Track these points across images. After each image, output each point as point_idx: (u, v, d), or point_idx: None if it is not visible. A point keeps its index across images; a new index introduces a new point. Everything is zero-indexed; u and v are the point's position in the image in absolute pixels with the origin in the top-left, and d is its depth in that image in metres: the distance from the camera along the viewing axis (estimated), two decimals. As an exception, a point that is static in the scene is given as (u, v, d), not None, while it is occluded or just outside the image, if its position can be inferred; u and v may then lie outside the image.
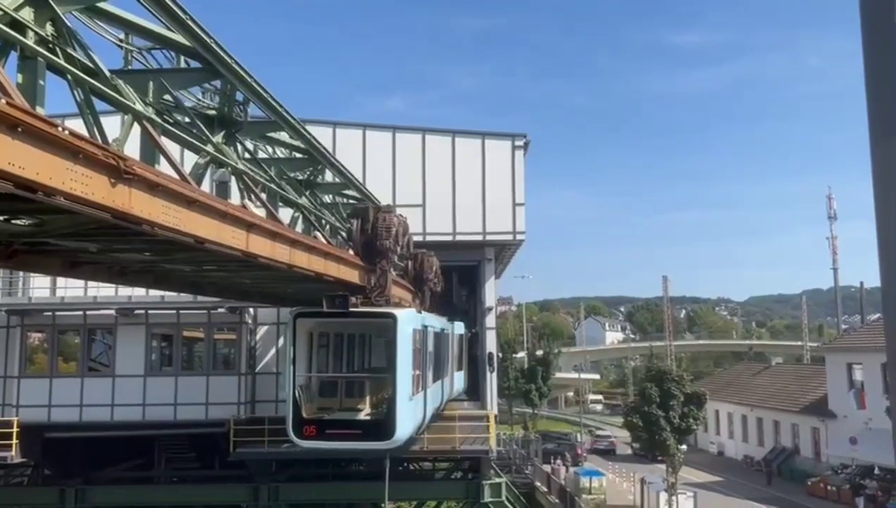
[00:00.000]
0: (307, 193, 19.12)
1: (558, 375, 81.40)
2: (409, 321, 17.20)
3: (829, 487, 41.35)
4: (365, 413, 17.02)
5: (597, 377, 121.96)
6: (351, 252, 18.26)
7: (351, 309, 15.93)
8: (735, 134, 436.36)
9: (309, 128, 17.23)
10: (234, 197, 12.93)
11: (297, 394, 16.12)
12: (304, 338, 16.79)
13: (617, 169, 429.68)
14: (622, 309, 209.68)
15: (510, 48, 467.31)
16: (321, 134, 21.91)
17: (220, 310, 27.53)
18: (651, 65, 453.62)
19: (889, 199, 3.11)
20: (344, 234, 20.33)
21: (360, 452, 19.94)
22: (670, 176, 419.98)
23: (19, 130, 5.62)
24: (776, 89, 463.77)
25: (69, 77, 8.53)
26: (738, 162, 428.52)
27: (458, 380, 28.40)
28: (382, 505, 29.49)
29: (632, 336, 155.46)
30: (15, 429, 25.90)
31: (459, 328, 28.25)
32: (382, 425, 16.24)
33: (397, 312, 16.79)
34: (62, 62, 8.28)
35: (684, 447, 38.61)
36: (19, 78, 7.87)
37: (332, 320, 17.18)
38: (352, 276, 16.68)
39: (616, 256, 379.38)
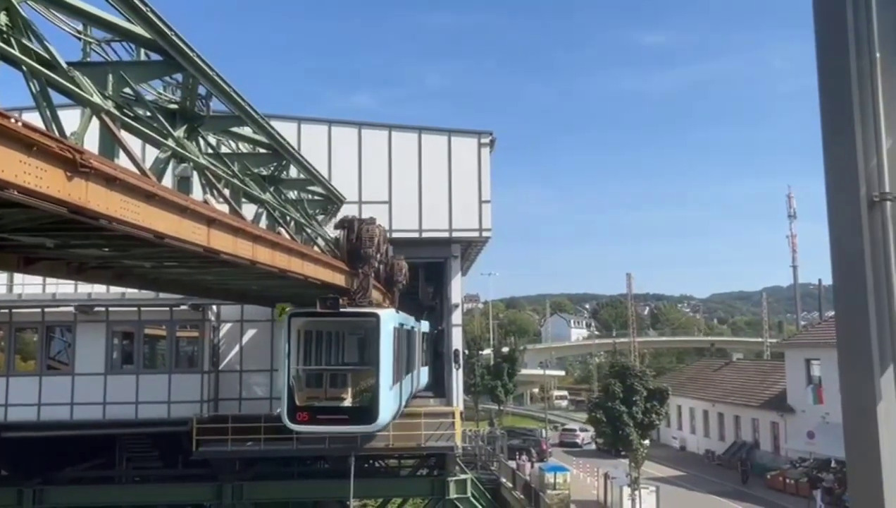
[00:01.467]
0: (271, 188, 18.95)
1: (524, 371, 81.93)
2: (390, 319, 19.09)
3: (787, 480, 42.16)
4: (349, 401, 18.99)
5: (562, 373, 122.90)
6: (316, 249, 18.52)
7: (340, 309, 17.89)
8: (699, 133, 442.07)
9: (273, 123, 17.11)
10: (197, 193, 12.76)
11: (290, 384, 18.11)
12: (295, 335, 18.47)
13: (584, 167, 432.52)
14: (587, 306, 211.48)
15: (480, 46, 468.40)
16: (286, 130, 21.73)
17: (183, 307, 27.19)
18: (619, 64, 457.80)
19: (840, 196, 3.17)
20: (309, 231, 20.50)
21: (347, 434, 22.29)
22: (637, 174, 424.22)
23: (-30, 121, 5.48)
24: (740, 90, 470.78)
25: (24, 68, 8.34)
26: (702, 161, 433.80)
27: (424, 375, 29.27)
28: (348, 503, 29.44)
29: (596, 333, 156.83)
30: (-30, 429, 25.33)
31: (425, 326, 29.45)
32: (367, 410, 18.41)
33: (380, 312, 18.90)
34: (17, 53, 8.09)
35: (647, 442, 39.08)
36: (-29, 69, 7.68)
37: (321, 319, 19.15)
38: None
39: (582, 253, 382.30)
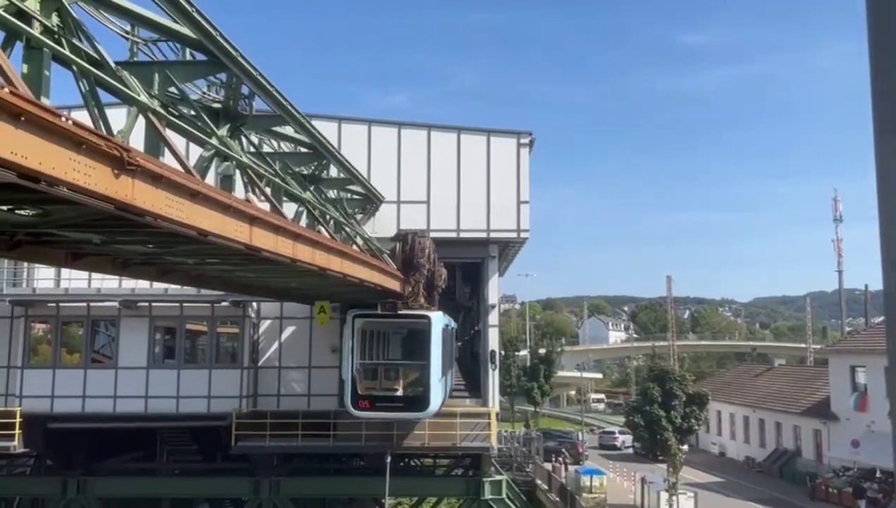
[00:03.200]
0: (311, 187, 19.16)
1: (560, 373, 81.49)
2: (439, 320, 22.01)
3: (830, 489, 41.25)
4: (400, 392, 21.81)
5: (599, 376, 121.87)
6: (355, 248, 18.70)
7: (398, 311, 20.91)
8: (742, 134, 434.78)
9: (314, 123, 17.27)
10: (239, 191, 12.93)
11: (353, 376, 21.08)
12: (357, 334, 21.35)
13: (624, 167, 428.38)
14: (626, 309, 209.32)
15: (516, 45, 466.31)
16: (327, 129, 21.90)
17: (224, 304, 27.54)
18: (659, 64, 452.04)
19: (892, 199, 3.08)
20: (348, 230, 20.75)
21: (402, 419, 24.39)
22: (678, 176, 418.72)
23: (22, 119, 5.62)
24: (783, 90, 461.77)
25: (74, 68, 8.54)
26: (746, 163, 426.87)
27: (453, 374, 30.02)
28: (383, 501, 29.58)
29: (635, 336, 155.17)
30: (18, 419, 25.98)
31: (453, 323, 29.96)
32: (420, 399, 21.56)
33: (431, 314, 21.84)
34: (67, 53, 8.29)
35: (685, 447, 38.61)
36: (24, 68, 7.88)
37: (379, 319, 21.81)
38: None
39: (621, 255, 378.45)
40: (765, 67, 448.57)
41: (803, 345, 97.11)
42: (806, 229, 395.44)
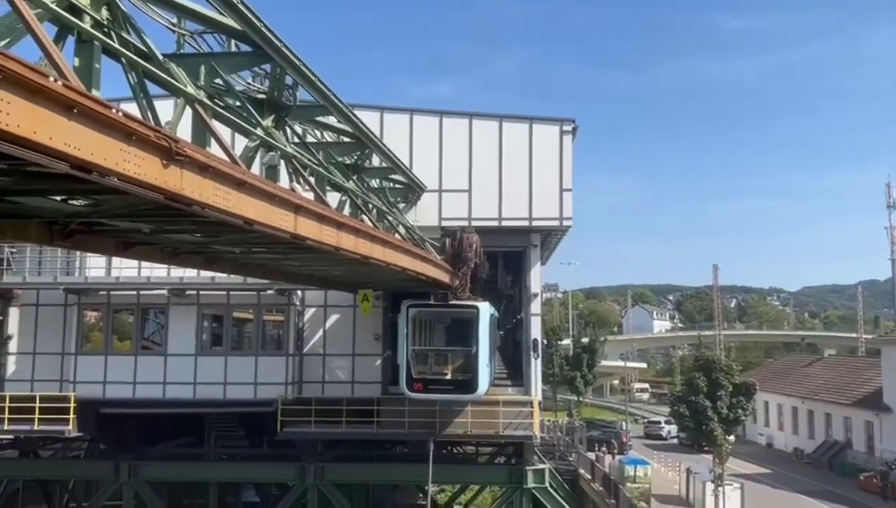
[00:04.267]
0: (354, 177, 19.25)
1: (604, 363, 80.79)
2: (486, 310, 23.71)
3: (881, 482, 40.27)
4: (449, 376, 23.55)
5: (643, 365, 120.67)
6: (397, 236, 18.81)
7: (449, 302, 22.78)
8: (791, 121, 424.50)
9: (357, 113, 17.33)
10: (283, 180, 13.06)
11: (408, 361, 23.08)
12: (411, 322, 23.23)
13: (669, 155, 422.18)
14: (671, 298, 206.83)
15: (557, 32, 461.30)
16: (369, 119, 21.97)
17: (269, 292, 27.93)
18: (702, 51, 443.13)
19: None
20: (390, 219, 20.86)
21: (452, 401, 25.62)
22: (724, 164, 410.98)
23: (75, 111, 5.75)
24: (833, 75, 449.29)
25: (123, 60, 8.69)
26: (795, 150, 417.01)
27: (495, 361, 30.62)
28: (426, 487, 29.77)
29: (680, 325, 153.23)
30: (72, 404, 26.75)
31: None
32: (469, 382, 23.25)
33: (479, 304, 23.60)
34: (117, 46, 8.43)
35: (732, 437, 37.96)
36: (76, 61, 8.04)
37: (431, 309, 23.74)
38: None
39: (666, 244, 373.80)
40: (812, 52, 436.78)
41: (854, 335, 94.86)
42: (857, 217, 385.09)
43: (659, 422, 66.52)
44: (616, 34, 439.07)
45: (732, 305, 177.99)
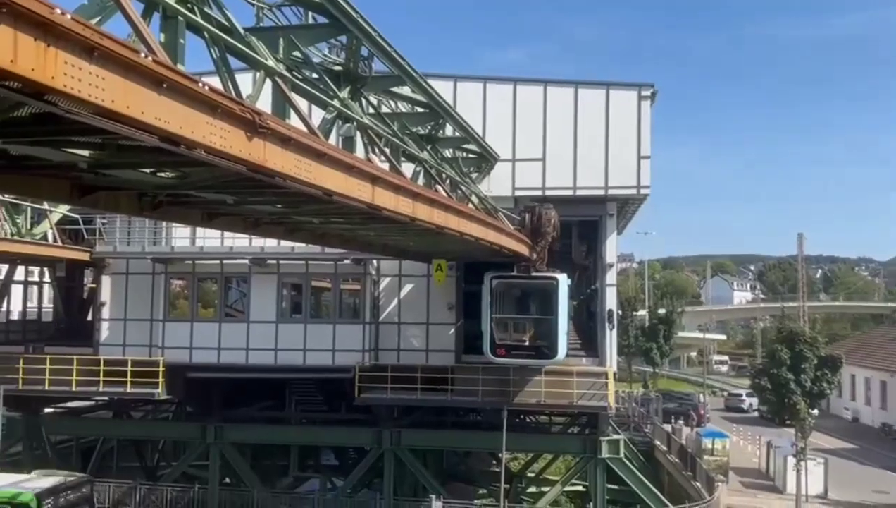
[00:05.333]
0: (428, 147, 19.32)
1: (681, 334, 79.44)
2: (564, 281, 24.94)
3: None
4: (528, 342, 24.99)
5: (723, 337, 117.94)
6: (470, 206, 18.81)
7: (532, 273, 23.95)
8: (879, 81, 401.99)
9: (431, 82, 17.35)
10: (359, 151, 13.22)
11: (491, 328, 24.30)
12: (494, 292, 24.44)
13: (753, 121, 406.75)
14: (752, 268, 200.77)
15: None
16: (443, 88, 21.93)
17: (346, 262, 28.41)
18: (793, 10, 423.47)
19: None
20: (463, 189, 20.87)
21: (534, 365, 26.38)
22: (810, 128, 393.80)
23: (164, 86, 5.96)
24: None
25: (206, 35, 8.93)
26: (883, 112, 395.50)
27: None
28: (500, 455, 30.03)
29: (762, 296, 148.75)
30: (161, 368, 27.97)
31: None
32: (549, 348, 24.69)
33: (558, 275, 24.76)
34: (200, 20, 8.67)
35: (815, 411, 36.88)
36: (162, 37, 8.30)
37: (513, 281, 24.69)
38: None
39: (748, 212, 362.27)
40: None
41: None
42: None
43: (740, 394, 65.40)
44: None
45: (818, 275, 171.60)
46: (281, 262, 29.00)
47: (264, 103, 10.26)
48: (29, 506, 20.22)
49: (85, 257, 29.76)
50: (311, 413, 32.20)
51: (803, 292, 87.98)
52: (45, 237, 29.97)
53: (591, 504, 29.27)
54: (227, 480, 31.47)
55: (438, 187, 17.83)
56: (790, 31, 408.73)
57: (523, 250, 23.14)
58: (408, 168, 17.18)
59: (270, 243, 27.47)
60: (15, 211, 28.75)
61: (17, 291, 34.43)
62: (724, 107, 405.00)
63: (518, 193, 29.32)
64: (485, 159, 27.17)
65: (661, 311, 68.64)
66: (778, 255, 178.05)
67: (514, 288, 25.87)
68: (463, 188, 21.13)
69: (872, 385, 55.30)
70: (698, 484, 30.77)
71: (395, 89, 17.36)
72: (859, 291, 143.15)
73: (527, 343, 25.07)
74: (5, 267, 32.35)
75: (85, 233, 30.49)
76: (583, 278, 36.81)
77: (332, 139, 12.27)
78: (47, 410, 31.79)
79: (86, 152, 7.79)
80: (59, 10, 4.68)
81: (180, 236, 30.06)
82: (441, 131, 21.28)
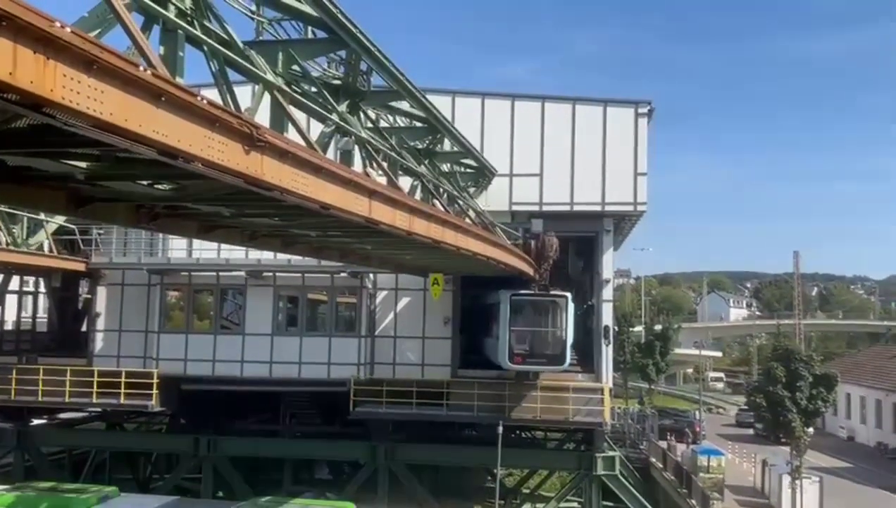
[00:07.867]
0: (426, 161, 19.37)
1: (677, 350, 79.25)
2: (570, 299, 27.13)
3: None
4: (545, 351, 27.09)
5: (718, 354, 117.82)
6: (467, 221, 18.81)
7: (547, 292, 26.53)
8: (877, 99, 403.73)
9: (429, 97, 17.41)
10: (357, 165, 13.24)
11: (509, 339, 26.22)
12: (510, 307, 26.43)
13: (750, 137, 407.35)
14: (748, 285, 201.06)
15: (635, 9, 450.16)
16: (441, 103, 22.00)
17: (343, 275, 28.39)
18: (788, 26, 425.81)
19: None
20: (461, 203, 20.88)
21: (545, 371, 28.06)
22: (807, 144, 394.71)
23: (162, 99, 5.96)
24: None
25: (205, 48, 8.96)
26: (880, 130, 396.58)
27: None
28: (495, 471, 29.89)
29: (758, 313, 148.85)
30: (155, 380, 27.86)
31: None
32: (558, 356, 26.68)
33: (566, 294, 27.09)
34: (199, 34, 8.70)
35: (811, 430, 36.78)
36: (161, 50, 8.33)
37: (526, 298, 26.83)
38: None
39: (744, 229, 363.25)
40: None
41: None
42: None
43: (748, 409, 65.31)
44: (699, 10, 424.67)
45: (814, 293, 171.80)
46: (277, 274, 28.98)
47: (263, 116, 10.28)
48: None
49: (81, 267, 29.70)
50: (305, 427, 32.06)
51: (799, 310, 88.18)
52: (41, 247, 29.87)
53: (586, 520, 29.12)
54: (220, 493, 31.25)
55: (436, 202, 17.86)
56: (789, 46, 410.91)
57: (527, 269, 24.46)
58: (405, 182, 17.22)
59: (267, 256, 27.45)
60: (11, 221, 28.69)
61: (11, 301, 34.31)
62: (719, 121, 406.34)
63: (515, 207, 29.39)
64: (482, 174, 27.24)
65: (658, 327, 68.48)
66: (774, 272, 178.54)
67: (528, 304, 27.71)
68: (460, 203, 21.17)
69: (868, 404, 55.23)
70: (694, 502, 30.64)
71: (393, 104, 17.42)
72: (855, 309, 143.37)
73: (541, 352, 27.27)
74: (0, 277, 32.24)
75: (81, 244, 30.43)
76: (579, 293, 36.81)
77: (331, 153, 12.29)
78: (40, 421, 31.59)
79: (83, 164, 7.80)
80: (58, 24, 4.69)
81: (177, 247, 30.02)
82: (439, 146, 21.35)
